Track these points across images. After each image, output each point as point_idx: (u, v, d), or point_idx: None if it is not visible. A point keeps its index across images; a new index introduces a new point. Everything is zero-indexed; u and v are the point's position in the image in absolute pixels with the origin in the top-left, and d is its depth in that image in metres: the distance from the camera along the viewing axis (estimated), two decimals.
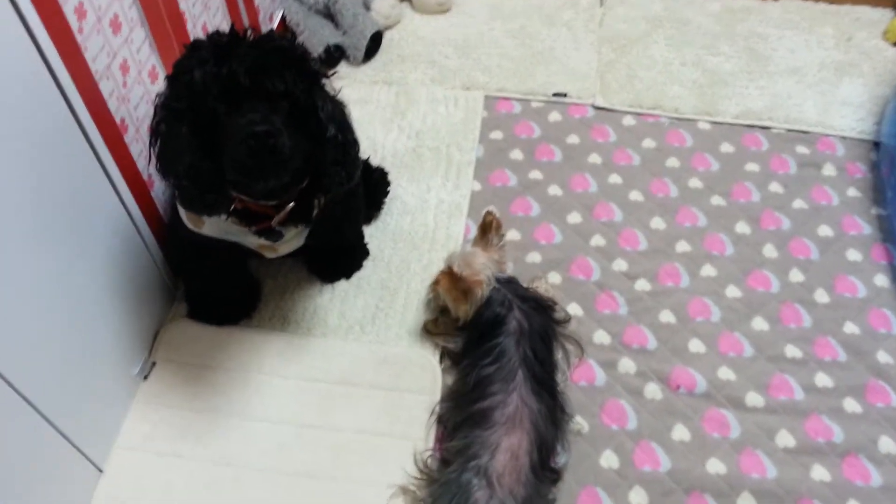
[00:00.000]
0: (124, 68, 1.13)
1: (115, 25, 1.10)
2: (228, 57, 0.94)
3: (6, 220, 0.89)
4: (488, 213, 1.30)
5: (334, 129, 1.05)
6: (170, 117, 0.98)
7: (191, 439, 1.20)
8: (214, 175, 0.99)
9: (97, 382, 1.14)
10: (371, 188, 1.45)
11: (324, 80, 1.06)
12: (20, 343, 0.93)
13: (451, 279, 1.21)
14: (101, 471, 1.16)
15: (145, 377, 1.26)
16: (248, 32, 0.99)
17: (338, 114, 1.07)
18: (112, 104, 1.10)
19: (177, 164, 0.98)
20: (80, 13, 1.01)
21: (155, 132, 1.01)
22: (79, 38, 1.01)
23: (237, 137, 0.94)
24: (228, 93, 0.95)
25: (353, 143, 1.10)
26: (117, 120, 1.12)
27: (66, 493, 1.09)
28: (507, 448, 1.08)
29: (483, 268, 1.24)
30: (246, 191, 1.05)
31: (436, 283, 1.25)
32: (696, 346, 1.34)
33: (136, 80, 1.17)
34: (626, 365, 1.32)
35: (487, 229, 1.29)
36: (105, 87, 1.08)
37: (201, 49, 0.97)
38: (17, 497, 0.96)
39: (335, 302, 1.39)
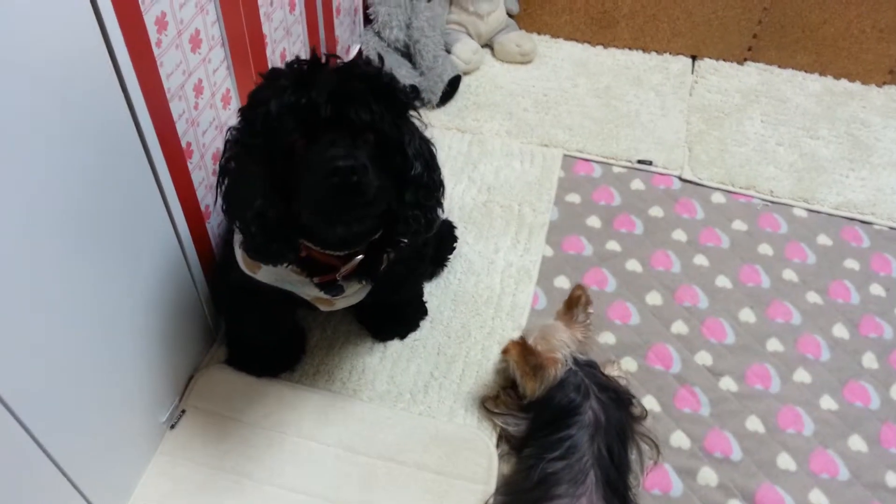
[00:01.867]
0: (198, 89, 1.04)
1: (195, 42, 1.01)
2: (308, 85, 0.84)
3: (47, 229, 0.79)
4: (578, 286, 1.18)
5: (421, 167, 0.93)
6: (241, 155, 0.88)
7: None
8: (284, 222, 0.87)
9: (120, 427, 1.02)
10: (436, 243, 1.34)
11: (412, 113, 0.95)
12: (33, 372, 0.81)
13: (523, 351, 1.09)
14: None
15: (172, 426, 1.14)
16: (329, 59, 0.88)
17: (426, 151, 0.96)
18: (181, 126, 1.01)
19: (245, 209, 0.86)
20: (161, 24, 0.92)
21: (223, 170, 0.90)
22: (156, 51, 0.92)
23: (317, 174, 0.82)
24: (307, 125, 0.84)
25: (438, 185, 0.98)
26: (183, 143, 1.02)
27: None
28: None
29: (561, 345, 1.11)
30: (319, 238, 0.93)
31: (505, 351, 1.11)
32: (785, 461, 1.19)
33: (209, 104, 1.08)
34: (707, 476, 1.16)
35: (574, 304, 1.17)
36: (176, 108, 0.98)
37: (279, 78, 0.87)
38: None
39: (386, 364, 1.26)
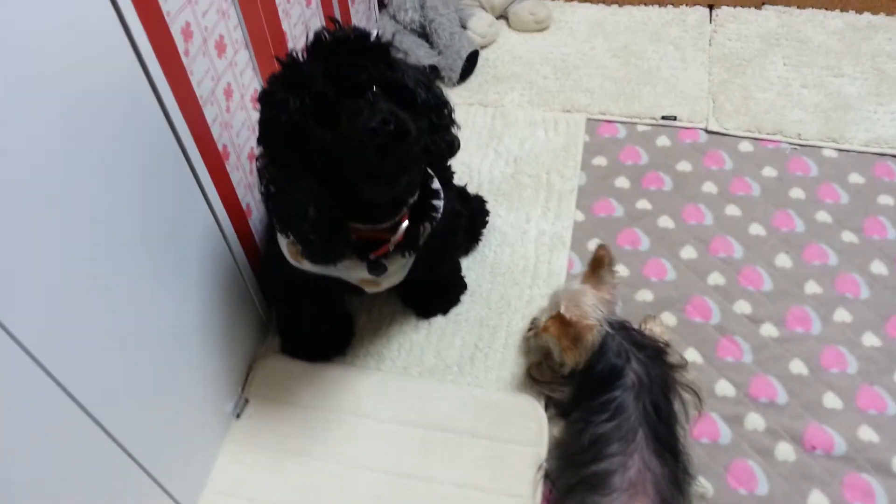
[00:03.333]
0: (228, 93, 1.08)
1: (220, 47, 1.05)
2: (303, 83, 0.87)
3: (107, 241, 0.84)
4: (601, 247, 1.19)
5: (423, 92, 0.96)
6: (277, 177, 0.92)
7: (283, 486, 1.13)
8: (336, 218, 0.91)
9: (188, 419, 1.08)
10: (469, 218, 1.37)
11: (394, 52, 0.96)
12: (108, 375, 0.87)
13: (562, 325, 1.11)
14: None
15: (238, 415, 1.20)
16: (324, 35, 0.90)
17: (422, 77, 0.99)
18: (215, 130, 1.05)
19: (300, 223, 0.91)
20: (187, 34, 0.96)
21: (267, 196, 0.94)
22: (185, 60, 0.96)
23: (360, 147, 0.86)
24: (324, 113, 0.88)
25: (444, 103, 1.01)
26: (219, 147, 1.07)
27: None
28: None
29: (593, 309, 1.13)
30: (368, 214, 0.98)
31: (545, 329, 1.13)
32: (831, 400, 1.21)
33: (239, 106, 1.12)
34: (754, 420, 1.19)
35: (599, 265, 1.18)
36: (209, 113, 1.03)
37: (274, 93, 0.89)
38: None
39: (431, 339, 1.31)
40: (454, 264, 1.34)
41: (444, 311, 1.34)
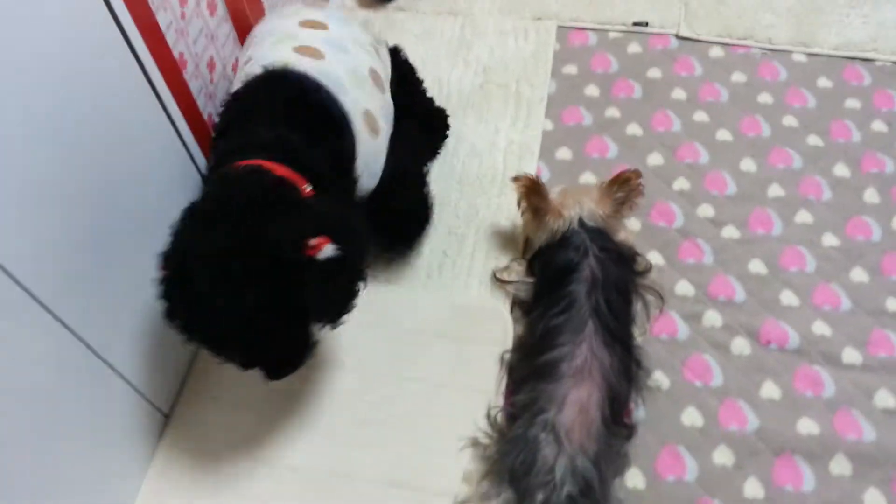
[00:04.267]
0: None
1: None
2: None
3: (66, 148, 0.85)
4: (635, 172, 1.15)
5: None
6: None
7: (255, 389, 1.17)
8: None
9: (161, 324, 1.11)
10: (428, 131, 1.38)
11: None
12: (71, 274, 0.90)
13: (532, 188, 1.13)
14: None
15: None
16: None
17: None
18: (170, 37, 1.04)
19: None
20: None
21: None
22: None
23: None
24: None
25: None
26: (175, 54, 1.06)
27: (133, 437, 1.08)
28: (576, 401, 1.01)
29: (574, 205, 1.14)
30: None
31: (515, 178, 1.15)
32: (788, 298, 1.25)
33: (195, 13, 1.10)
34: (712, 318, 1.23)
35: (617, 183, 1.15)
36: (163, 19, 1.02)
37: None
38: (87, 450, 0.95)
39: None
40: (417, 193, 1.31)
41: (409, 243, 1.32)
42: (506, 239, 1.33)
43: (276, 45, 1.07)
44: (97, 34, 0.90)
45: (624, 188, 1.16)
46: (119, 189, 0.96)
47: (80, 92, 0.87)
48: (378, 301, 1.25)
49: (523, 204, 1.15)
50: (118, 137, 0.95)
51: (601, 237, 1.17)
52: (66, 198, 0.86)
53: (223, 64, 1.23)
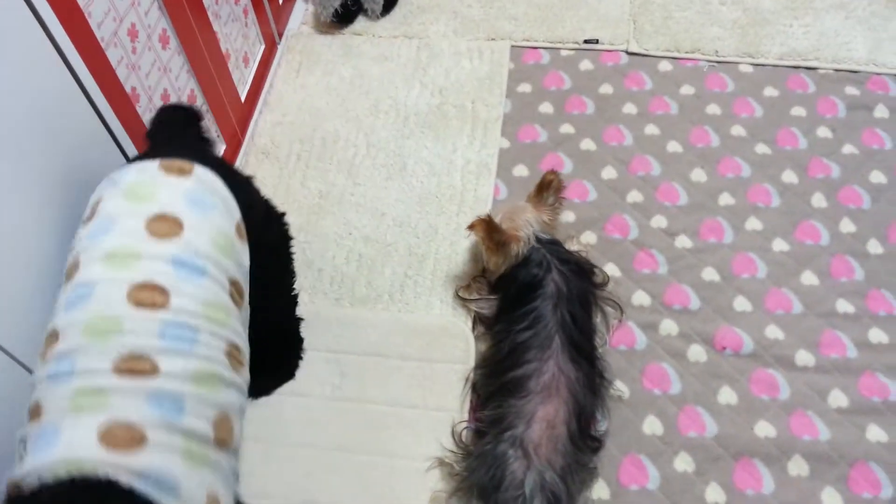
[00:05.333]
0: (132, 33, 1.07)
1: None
2: None
3: None
4: (552, 172, 1.22)
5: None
6: None
7: None
8: None
9: None
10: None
11: None
12: None
13: (489, 227, 1.15)
14: None
15: None
16: None
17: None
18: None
19: None
20: None
21: None
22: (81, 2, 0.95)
23: None
24: None
25: None
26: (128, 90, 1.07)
27: None
28: (543, 417, 1.03)
29: (525, 224, 1.17)
30: None
31: (471, 226, 1.17)
32: (741, 304, 1.28)
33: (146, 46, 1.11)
34: (668, 326, 1.26)
35: (545, 188, 1.22)
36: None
37: None
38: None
39: (362, 271, 1.34)
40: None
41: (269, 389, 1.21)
42: (466, 257, 1.35)
43: (109, 286, 0.77)
44: (50, 81, 0.91)
45: (549, 190, 1.21)
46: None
47: (34, 134, 0.88)
48: (339, 323, 1.27)
49: (486, 244, 1.16)
50: (76, 178, 0.96)
51: (558, 249, 1.20)
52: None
53: (178, 96, 1.24)
